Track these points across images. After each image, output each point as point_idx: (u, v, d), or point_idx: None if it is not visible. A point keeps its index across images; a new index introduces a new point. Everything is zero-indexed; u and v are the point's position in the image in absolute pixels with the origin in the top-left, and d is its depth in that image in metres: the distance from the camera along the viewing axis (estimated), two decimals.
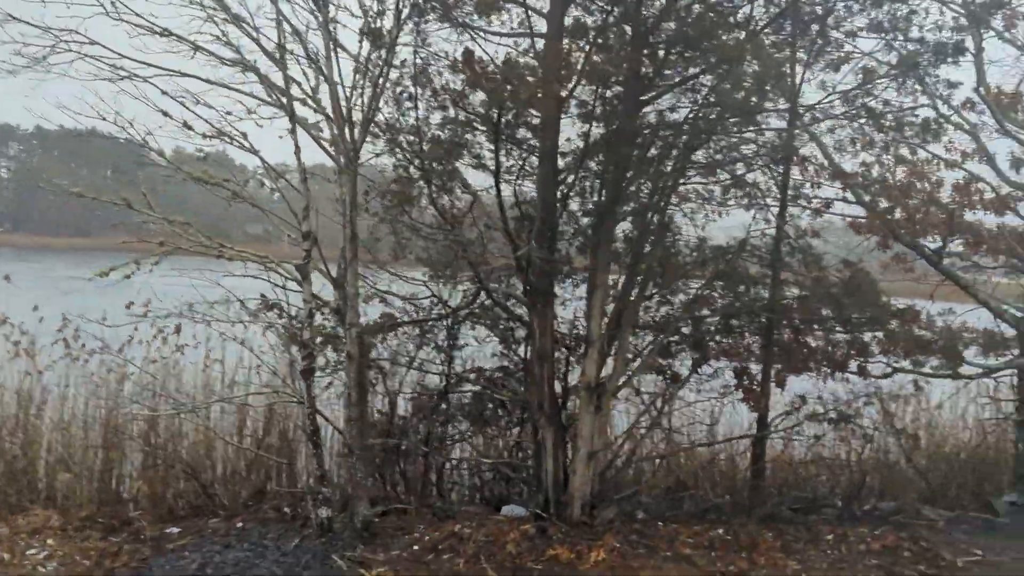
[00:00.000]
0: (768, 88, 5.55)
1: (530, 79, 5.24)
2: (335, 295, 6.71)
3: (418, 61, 6.04)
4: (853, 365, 7.90)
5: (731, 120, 6.87)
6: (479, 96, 5.74)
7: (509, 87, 5.13)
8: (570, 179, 6.93)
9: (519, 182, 7.46)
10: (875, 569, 6.48)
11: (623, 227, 7.73)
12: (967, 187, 8.95)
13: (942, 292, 9.01)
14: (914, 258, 8.66)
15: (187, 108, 6.24)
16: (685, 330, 8.22)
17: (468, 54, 5.89)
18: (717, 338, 8.28)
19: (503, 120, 5.76)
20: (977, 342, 7.83)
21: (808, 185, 8.20)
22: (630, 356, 7.55)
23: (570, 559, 6.26)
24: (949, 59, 6.26)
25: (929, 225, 8.45)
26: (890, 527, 7.43)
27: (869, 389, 8.52)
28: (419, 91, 5.99)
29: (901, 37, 6.39)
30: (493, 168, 6.14)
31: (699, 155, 7.67)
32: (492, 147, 5.97)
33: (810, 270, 7.39)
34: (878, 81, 6.95)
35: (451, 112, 6.10)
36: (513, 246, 6.61)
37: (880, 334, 7.44)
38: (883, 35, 6.40)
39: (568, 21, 6.70)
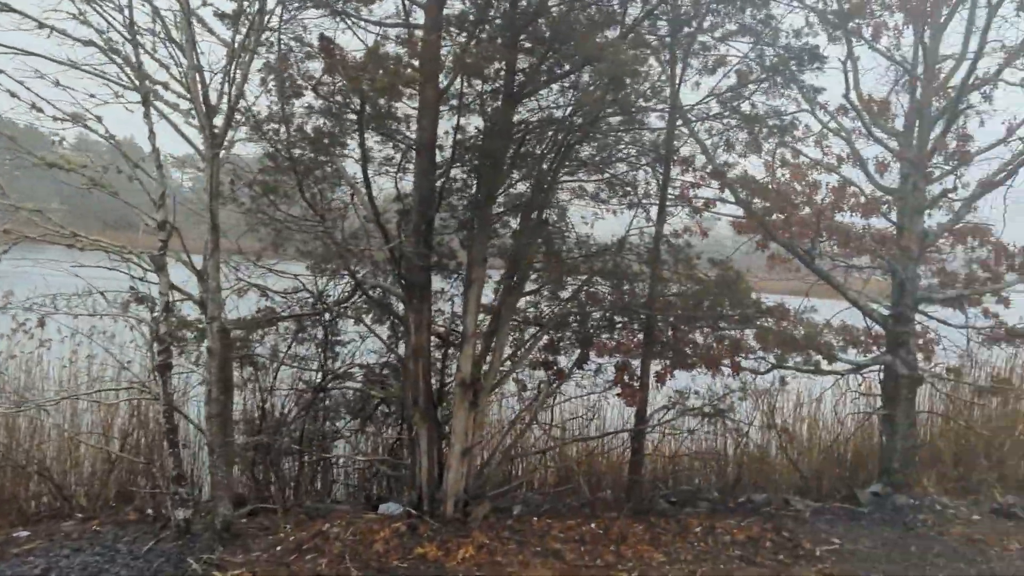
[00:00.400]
0: (628, 88, 5.59)
1: (392, 68, 5.13)
2: (199, 288, 6.45)
3: (282, 47, 5.85)
4: (737, 362, 8.16)
5: (606, 119, 6.95)
6: (341, 84, 5.58)
7: (367, 75, 5.01)
8: (449, 172, 6.87)
9: (401, 175, 7.39)
10: (737, 559, 6.66)
11: (507, 222, 7.79)
12: (842, 190, 9.32)
13: (824, 291, 9.37)
14: (789, 257, 8.95)
15: (31, 90, 5.86)
16: (574, 326, 8.33)
17: (324, 39, 5.73)
18: (602, 334, 8.42)
19: (367, 110, 5.64)
20: (839, 338, 8.12)
21: (689, 185, 8.37)
22: (510, 352, 7.54)
23: (437, 557, 6.20)
24: (812, 65, 6.46)
25: (803, 226, 8.74)
26: (759, 518, 7.66)
27: (749, 384, 8.87)
28: (283, 79, 5.79)
29: (769, 42, 6.55)
30: (360, 158, 6.01)
31: (585, 153, 7.81)
32: (358, 137, 5.83)
33: (682, 268, 7.52)
34: (751, 85, 7.10)
35: (312, 100, 5.93)
36: (386, 239, 6.50)
37: (750, 331, 7.62)
38: (750, 40, 6.55)
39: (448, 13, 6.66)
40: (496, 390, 7.81)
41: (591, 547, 6.68)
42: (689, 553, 6.71)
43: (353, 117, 6.04)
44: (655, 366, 8.26)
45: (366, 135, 6.29)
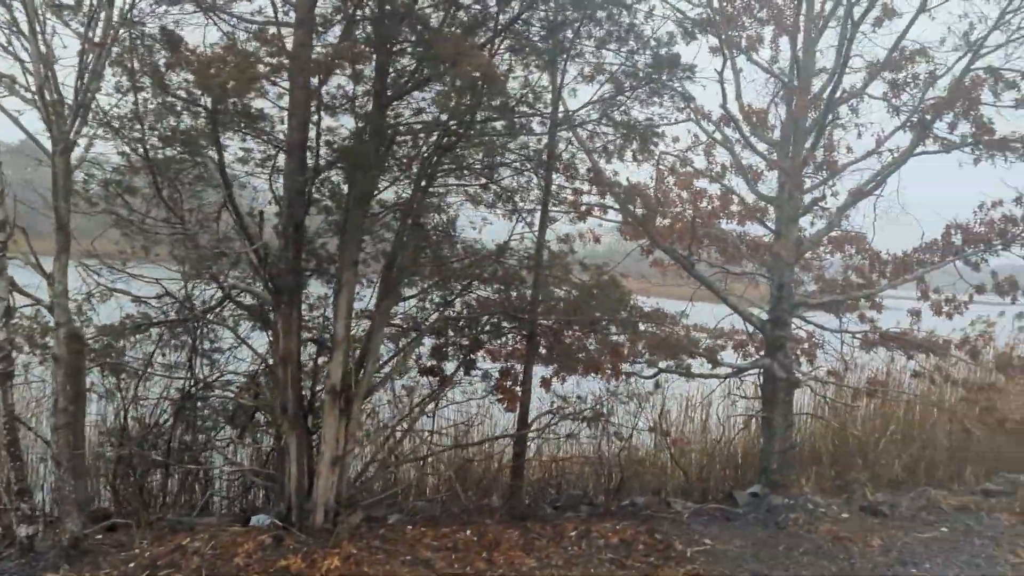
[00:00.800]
0: (487, 92, 5.57)
1: (243, 64, 4.96)
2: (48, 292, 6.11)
3: (132, 41, 5.60)
4: (618, 366, 8.24)
5: (482, 123, 6.94)
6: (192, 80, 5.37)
7: (216, 71, 4.83)
8: (320, 174, 6.72)
9: (276, 176, 7.20)
10: (608, 562, 6.69)
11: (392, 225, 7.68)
12: (725, 198, 9.57)
13: (713, 297, 9.58)
14: (672, 263, 9.12)
15: None
16: (465, 331, 8.29)
17: (167, 32, 5.52)
18: (491, 340, 8.40)
19: (220, 108, 5.45)
20: (712, 341, 8.30)
21: (572, 191, 8.43)
22: (385, 358, 7.42)
23: (301, 569, 6.01)
24: (676, 73, 6.58)
25: (685, 232, 8.93)
26: (635, 521, 7.74)
27: (634, 389, 9.00)
28: (132, 73, 5.54)
29: (636, 50, 6.65)
30: (215, 158, 5.82)
31: (473, 159, 7.78)
32: (212, 134, 5.64)
33: (559, 273, 7.56)
34: (627, 92, 7.20)
35: (158, 96, 5.70)
36: (249, 241, 6.30)
37: (625, 335, 7.71)
38: (622, 48, 6.64)
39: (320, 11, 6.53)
40: (370, 397, 7.67)
41: (463, 554, 6.61)
42: (561, 558, 6.71)
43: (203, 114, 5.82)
44: (545, 372, 8.31)
45: (231, 134, 6.08)
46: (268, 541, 6.40)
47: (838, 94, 8.30)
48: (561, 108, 7.93)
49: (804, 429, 11.01)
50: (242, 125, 5.93)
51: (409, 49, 6.10)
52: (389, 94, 6.47)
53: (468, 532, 7.04)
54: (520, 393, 8.01)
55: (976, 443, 10.46)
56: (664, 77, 6.48)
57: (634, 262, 10.43)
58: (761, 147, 9.33)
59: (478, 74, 4.96)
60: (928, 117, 7.94)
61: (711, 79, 8.36)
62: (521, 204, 8.21)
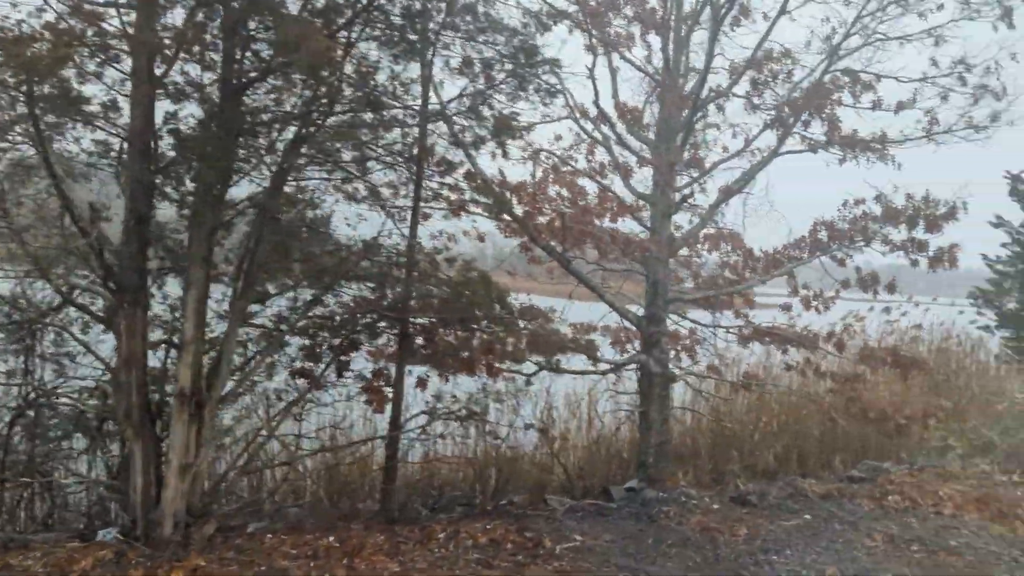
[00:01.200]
0: (327, 79, 5.35)
1: (60, 42, 4.59)
2: None
3: None
4: (493, 364, 8.14)
5: (347, 114, 6.72)
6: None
7: (26, 51, 4.44)
8: (166, 165, 6.34)
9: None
10: (474, 563, 6.56)
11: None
12: (603, 195, 9.64)
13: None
14: (545, 259, 9.11)
15: None
16: (342, 332, 8.01)
17: None
18: (365, 340, 8.16)
19: (36, 90, 5.04)
20: (582, 338, 8.32)
21: (447, 187, 8.28)
22: (241, 360, 7.09)
23: None
24: (534, 66, 6.52)
25: (563, 230, 8.92)
26: (506, 520, 7.64)
27: (519, 386, 8.93)
28: None
29: (495, 43, 6.57)
30: (39, 144, 5.39)
31: (342, 153, 7.53)
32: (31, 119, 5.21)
33: (428, 270, 7.40)
34: (492, 85, 7.11)
35: None
36: (83, 234, 5.87)
37: (498, 332, 7.61)
38: (478, 38, 6.54)
39: None
40: (234, 401, 7.32)
41: (323, 562, 6.35)
42: (426, 560, 6.53)
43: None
44: (423, 372, 8.13)
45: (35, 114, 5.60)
46: (109, 557, 5.98)
47: (705, 93, 8.45)
48: (437, 102, 7.81)
49: (686, 423, 11.22)
50: (70, 111, 5.50)
51: (260, 34, 5.81)
52: (238, 81, 6.16)
53: (331, 538, 6.78)
54: (392, 394, 7.82)
55: (844, 432, 10.91)
56: (523, 69, 6.40)
57: (524, 260, 10.39)
58: (638, 145, 9.44)
59: (317, 58, 4.73)
60: (783, 115, 8.18)
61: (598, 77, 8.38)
62: (394, 200, 8.05)
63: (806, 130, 8.49)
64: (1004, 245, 14.61)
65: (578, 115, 9.28)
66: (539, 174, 9.47)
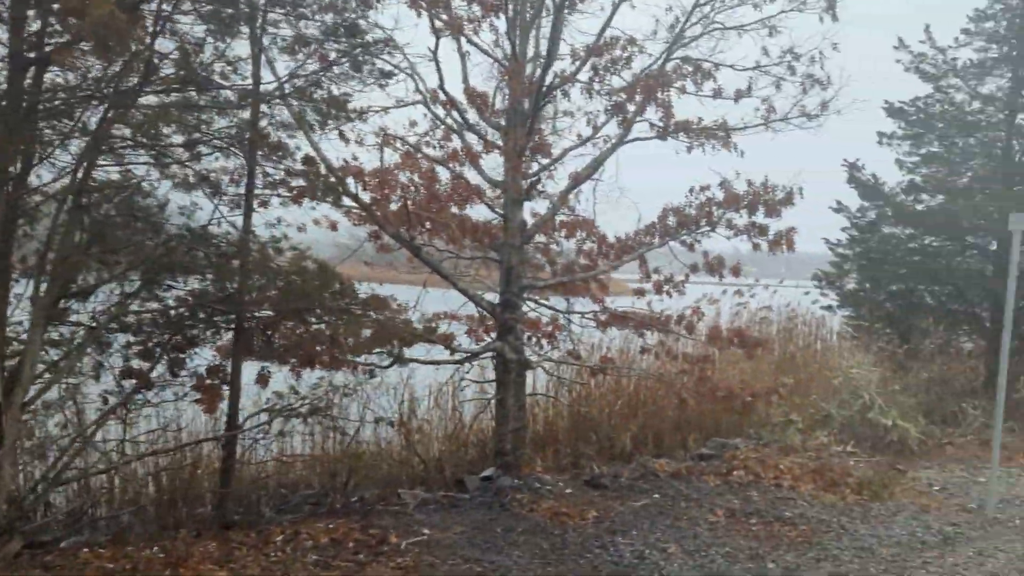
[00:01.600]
0: (114, 51, 4.91)
1: None
2: None
3: None
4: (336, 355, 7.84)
5: (161, 94, 6.25)
6: None
7: None
8: None
9: None
10: (312, 565, 6.29)
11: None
12: (456, 182, 9.46)
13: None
14: (396, 248, 8.89)
15: None
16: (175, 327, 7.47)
17: None
18: (205, 336, 7.67)
19: None
20: (422, 327, 8.17)
21: (285, 172, 7.89)
22: (53, 361, 6.50)
23: None
24: (355, 44, 6.28)
25: (414, 217, 8.71)
26: (356, 517, 7.41)
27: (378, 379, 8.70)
28: None
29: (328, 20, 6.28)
30: None
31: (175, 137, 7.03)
32: None
33: (261, 259, 7.01)
34: (321, 65, 6.80)
35: None
36: None
37: (339, 323, 7.33)
38: (302, 18, 6.23)
39: None
40: (49, 408, 6.73)
41: (144, 573, 5.92)
42: (260, 566, 6.21)
43: None
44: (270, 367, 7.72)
45: None
46: None
47: (550, 80, 8.43)
48: (274, 81, 7.42)
49: (548, 409, 11.26)
50: None
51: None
52: (35, 54, 5.60)
53: (156, 548, 6.33)
54: (229, 392, 7.39)
55: (698, 412, 11.27)
56: (355, 50, 6.13)
57: (396, 250, 10.05)
58: (490, 132, 9.32)
59: (103, 28, 4.30)
60: (620, 101, 8.28)
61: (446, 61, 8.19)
62: (229, 188, 7.60)
63: (641, 116, 8.64)
64: (844, 229, 15.54)
65: (429, 100, 9.08)
66: (396, 159, 9.21)
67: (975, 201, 13.70)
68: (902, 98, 14.91)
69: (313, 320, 7.34)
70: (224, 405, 7.45)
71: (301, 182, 7.98)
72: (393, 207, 8.81)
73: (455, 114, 9.20)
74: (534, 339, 9.93)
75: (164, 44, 6.78)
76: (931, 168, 14.96)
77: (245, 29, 7.10)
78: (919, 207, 14.82)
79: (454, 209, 9.06)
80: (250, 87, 7.21)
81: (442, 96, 8.93)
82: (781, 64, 8.82)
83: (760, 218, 9.54)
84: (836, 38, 8.64)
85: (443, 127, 9.53)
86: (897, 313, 14.89)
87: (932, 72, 14.60)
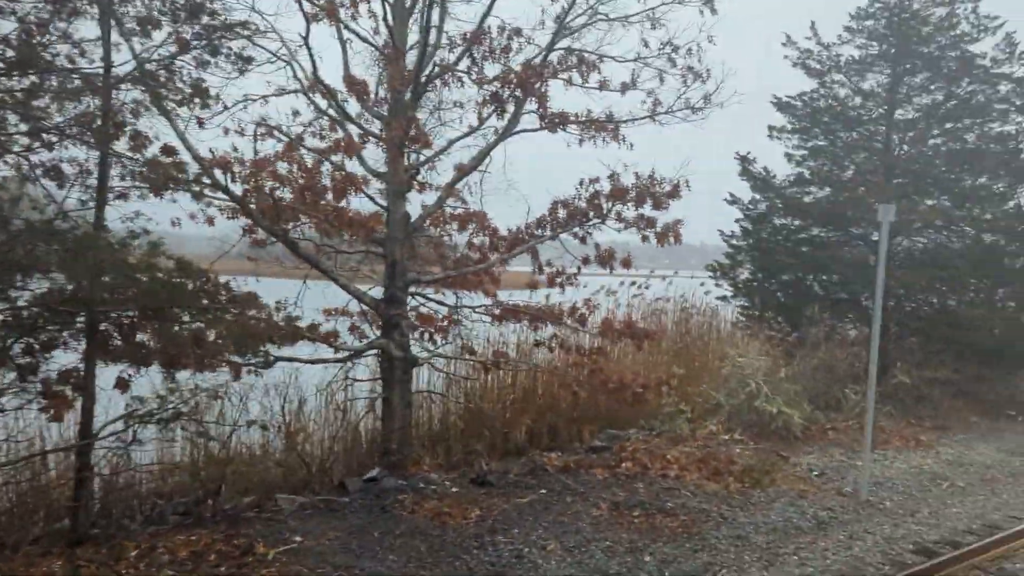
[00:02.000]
0: None
1: None
2: None
3: None
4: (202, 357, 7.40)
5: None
6: None
7: None
8: None
9: None
10: None
11: None
12: (338, 173, 9.11)
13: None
14: (272, 242, 8.50)
15: None
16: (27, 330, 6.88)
17: None
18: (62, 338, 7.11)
19: None
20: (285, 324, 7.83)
21: (136, 162, 7.38)
22: None
23: None
24: (199, 18, 5.91)
25: (290, 210, 8.33)
26: (222, 527, 7.03)
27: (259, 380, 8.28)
28: None
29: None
30: None
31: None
32: None
33: (109, 255, 6.52)
34: (177, 49, 6.37)
35: None
36: None
37: (201, 323, 6.91)
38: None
39: None
40: None
41: None
42: None
43: None
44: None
45: None
46: None
47: (430, 69, 8.19)
48: (134, 63, 6.92)
49: (443, 405, 11.03)
50: None
51: None
52: None
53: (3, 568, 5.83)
54: (83, 398, 6.88)
55: (593, 404, 11.26)
56: (204, 31, 5.74)
57: (271, 244, 9.59)
58: (372, 121, 9.03)
59: None
60: (495, 91, 8.13)
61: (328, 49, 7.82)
62: (84, 179, 7.07)
63: (524, 108, 8.50)
64: (737, 221, 15.86)
65: (307, 89, 8.70)
66: (278, 150, 8.79)
67: (858, 194, 14.18)
68: (792, 93, 15.36)
69: (179, 320, 6.90)
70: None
71: (178, 173, 7.51)
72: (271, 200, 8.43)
73: (333, 103, 8.86)
74: (426, 335, 9.70)
75: (3, 25, 6.33)
76: (818, 161, 15.43)
77: (93, 9, 6.64)
78: (807, 199, 15.26)
79: (331, 201, 8.71)
80: (101, 71, 6.74)
81: (320, 85, 8.58)
82: (662, 56, 8.83)
83: (648, 211, 9.56)
84: (716, 32, 8.69)
85: (327, 117, 9.19)
86: (787, 302, 15.30)
87: (817, 68, 15.04)
